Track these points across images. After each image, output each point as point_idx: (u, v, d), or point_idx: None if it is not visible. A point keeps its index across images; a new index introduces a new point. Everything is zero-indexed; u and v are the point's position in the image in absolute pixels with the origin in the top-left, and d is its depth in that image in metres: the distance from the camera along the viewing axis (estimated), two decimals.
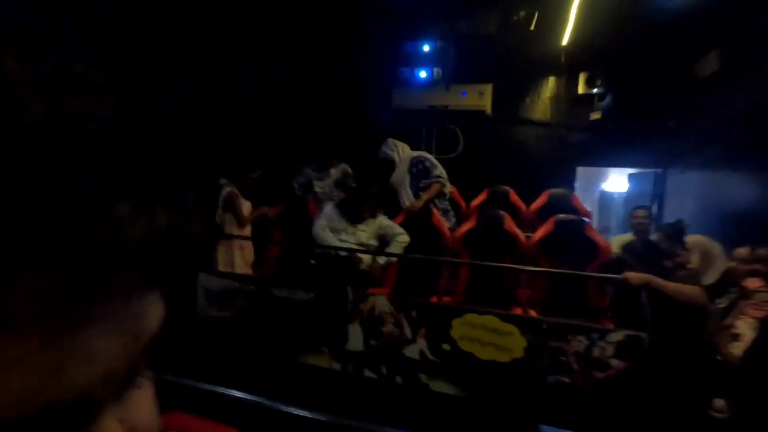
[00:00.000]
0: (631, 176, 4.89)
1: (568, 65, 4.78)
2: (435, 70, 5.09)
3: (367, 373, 2.57)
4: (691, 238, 2.91)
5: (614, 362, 2.42)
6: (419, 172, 3.52)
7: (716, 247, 2.95)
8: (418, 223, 3.29)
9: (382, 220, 3.17)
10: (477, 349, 2.41)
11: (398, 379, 2.52)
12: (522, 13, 4.48)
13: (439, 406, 2.43)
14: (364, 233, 3.10)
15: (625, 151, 4.44)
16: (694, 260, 2.88)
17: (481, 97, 5.02)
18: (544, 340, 2.35)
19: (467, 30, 4.87)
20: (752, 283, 2.57)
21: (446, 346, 2.45)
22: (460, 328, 2.41)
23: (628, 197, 5.44)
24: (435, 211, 3.40)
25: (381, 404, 2.50)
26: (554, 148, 4.94)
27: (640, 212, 3.59)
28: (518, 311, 2.84)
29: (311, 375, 2.62)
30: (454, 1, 4.70)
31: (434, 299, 2.98)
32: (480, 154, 5.02)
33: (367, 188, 3.24)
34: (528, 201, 4.06)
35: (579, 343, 2.39)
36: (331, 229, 3.10)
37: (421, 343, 2.47)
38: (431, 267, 3.16)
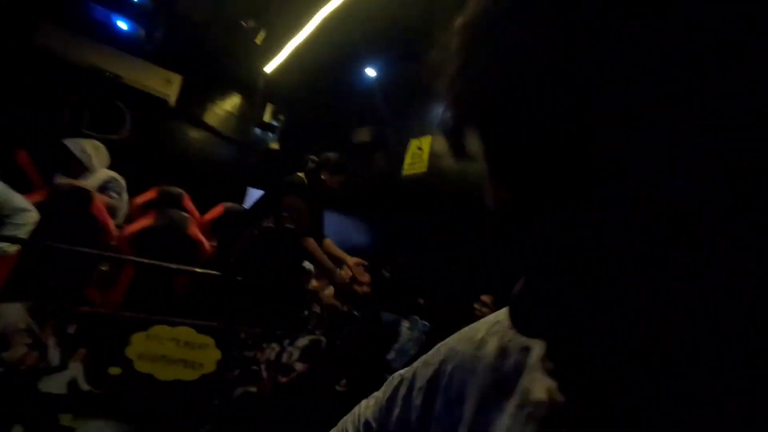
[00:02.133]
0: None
1: (263, 91, 4.93)
2: (141, 29, 4.03)
3: None
4: None
5: (297, 366, 2.56)
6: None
7: None
8: (68, 208, 2.50)
9: None
10: (159, 368, 2.03)
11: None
12: (251, 23, 4.03)
13: None
14: None
15: None
16: None
17: (167, 85, 4.27)
18: (241, 351, 2.36)
19: (184, 7, 4.08)
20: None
21: (115, 370, 1.92)
22: (143, 344, 1.99)
23: None
24: (98, 197, 2.62)
25: None
26: (232, 164, 5.13)
27: None
28: None
29: None
30: None
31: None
32: (150, 147, 4.39)
33: None
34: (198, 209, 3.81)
35: (272, 350, 2.60)
36: None
37: (75, 370, 1.85)
38: (79, 269, 2.38)
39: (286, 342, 2.59)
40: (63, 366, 1.88)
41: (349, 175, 2.71)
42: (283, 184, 2.64)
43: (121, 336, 2.02)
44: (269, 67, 4.55)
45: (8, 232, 2.07)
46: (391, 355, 2.94)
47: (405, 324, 2.96)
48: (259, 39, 3.95)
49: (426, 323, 3.01)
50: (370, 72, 4.08)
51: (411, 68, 3.87)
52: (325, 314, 2.78)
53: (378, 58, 3.90)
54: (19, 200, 2.16)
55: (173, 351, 2.16)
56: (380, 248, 3.87)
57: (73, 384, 1.88)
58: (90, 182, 2.97)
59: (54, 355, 1.87)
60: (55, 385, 1.85)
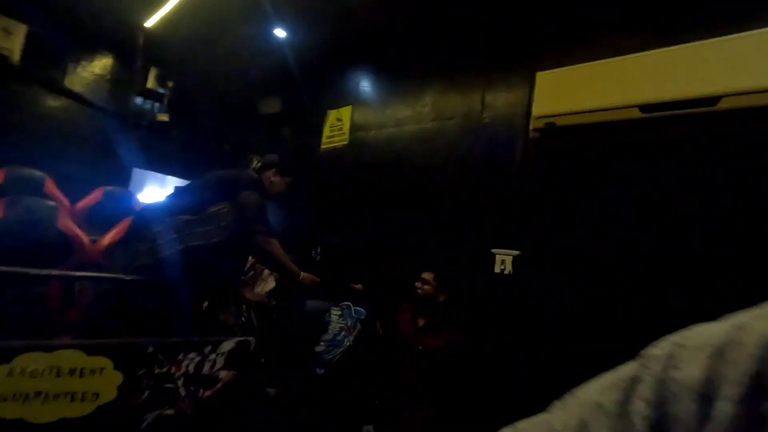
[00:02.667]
0: (178, 189, 3.77)
1: (144, 51, 4.06)
2: None
3: None
4: None
5: (222, 374, 2.12)
6: None
7: None
8: None
9: None
10: (34, 410, 1.56)
11: None
12: None
13: None
14: None
15: (184, 162, 4.35)
16: None
17: (6, 37, 3.39)
18: (150, 368, 1.89)
19: None
20: None
21: None
22: (5, 382, 1.51)
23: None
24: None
25: None
26: (109, 139, 4.05)
27: None
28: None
29: None
30: None
31: None
32: None
33: None
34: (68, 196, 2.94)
35: (191, 361, 2.21)
36: None
37: None
38: None
39: (208, 349, 2.18)
40: None
41: (294, 177, 2.53)
42: (241, 180, 2.28)
43: None
44: (151, 21, 3.70)
45: None
46: (320, 347, 2.70)
47: (335, 312, 2.72)
48: None
49: (361, 309, 2.81)
50: (280, 33, 3.58)
51: (327, 30, 3.49)
52: (252, 313, 2.43)
53: (288, 16, 3.43)
54: None
55: (52, 384, 1.67)
56: (306, 230, 3.53)
57: None
58: None
59: None
60: None
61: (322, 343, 2.70)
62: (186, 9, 3.40)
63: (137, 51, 4.02)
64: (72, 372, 1.70)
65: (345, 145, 3.61)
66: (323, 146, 3.78)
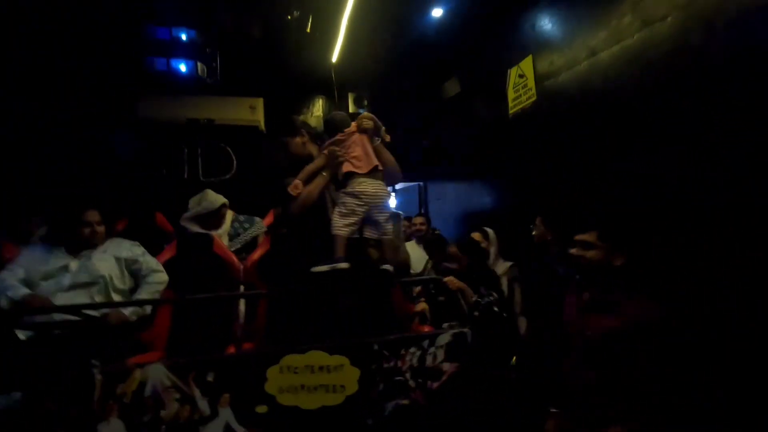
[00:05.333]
0: (397, 191, 4.82)
1: (338, 83, 4.68)
2: (198, 64, 3.88)
3: None
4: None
5: (445, 366, 2.27)
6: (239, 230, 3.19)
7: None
8: (195, 253, 2.54)
9: (131, 246, 2.31)
10: (303, 399, 1.90)
11: None
12: (296, 13, 3.66)
13: None
14: (103, 262, 2.16)
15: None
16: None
17: (252, 111, 4.31)
18: (379, 363, 2.07)
19: (233, 27, 3.97)
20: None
21: (262, 408, 1.82)
22: (278, 377, 1.88)
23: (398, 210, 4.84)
24: (216, 238, 2.67)
25: None
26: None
27: (419, 219, 3.87)
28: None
29: None
30: None
31: (231, 350, 2.36)
32: (257, 175, 4.33)
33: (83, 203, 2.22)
34: None
35: (412, 355, 2.26)
36: (29, 282, 2.03)
37: (225, 415, 1.82)
38: (221, 310, 2.47)
39: (426, 343, 2.22)
40: (214, 414, 1.87)
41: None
42: None
43: (256, 374, 1.92)
44: (334, 56, 4.20)
45: (144, 292, 2.26)
46: None
47: None
48: (308, 27, 3.59)
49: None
50: (437, 12, 3.42)
51: None
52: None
53: None
54: (153, 262, 2.35)
55: (310, 378, 1.96)
56: (518, 206, 3.23)
57: (228, 429, 1.86)
58: (221, 230, 3.12)
59: (204, 405, 1.87)
60: (213, 431, 1.85)
61: None
62: (355, 31, 3.66)
63: (333, 84, 4.67)
64: (321, 368, 1.99)
65: (534, 101, 3.12)
66: (511, 111, 3.37)
